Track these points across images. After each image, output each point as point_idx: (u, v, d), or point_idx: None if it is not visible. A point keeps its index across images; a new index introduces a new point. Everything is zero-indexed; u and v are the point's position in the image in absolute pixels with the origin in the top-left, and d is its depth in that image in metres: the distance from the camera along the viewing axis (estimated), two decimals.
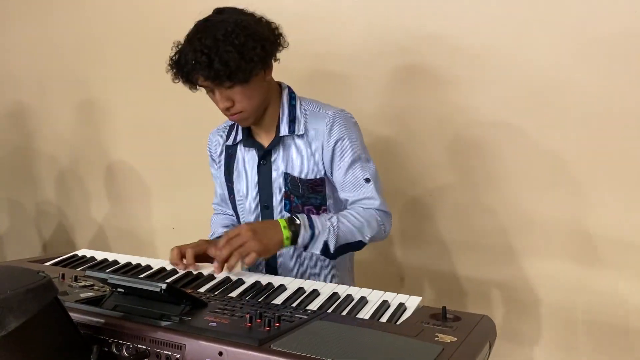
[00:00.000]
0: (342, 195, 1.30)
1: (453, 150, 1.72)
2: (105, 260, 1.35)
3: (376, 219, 1.25)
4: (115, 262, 1.33)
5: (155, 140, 2.27)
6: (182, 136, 2.18)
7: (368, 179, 1.27)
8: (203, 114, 2.06)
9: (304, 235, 1.19)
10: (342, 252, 1.25)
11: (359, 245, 1.26)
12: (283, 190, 1.30)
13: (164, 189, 2.32)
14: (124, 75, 2.26)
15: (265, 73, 1.23)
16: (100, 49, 2.31)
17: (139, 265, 1.31)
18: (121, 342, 0.88)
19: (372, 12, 1.74)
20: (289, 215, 1.25)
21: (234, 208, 1.39)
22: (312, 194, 1.30)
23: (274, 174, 1.31)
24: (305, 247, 1.21)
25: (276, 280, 1.18)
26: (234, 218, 1.46)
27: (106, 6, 2.27)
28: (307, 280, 1.17)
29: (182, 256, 1.24)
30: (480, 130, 1.66)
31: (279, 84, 1.33)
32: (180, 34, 1.22)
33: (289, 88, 1.34)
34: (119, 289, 0.97)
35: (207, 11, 1.24)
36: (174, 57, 1.22)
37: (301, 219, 1.19)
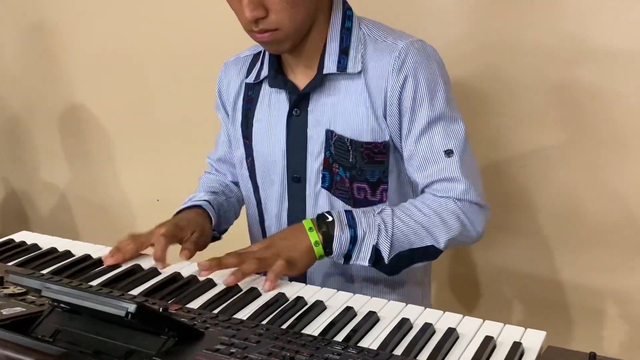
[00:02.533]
0: (411, 174, 1.12)
1: (559, 103, 1.48)
2: (53, 250, 1.16)
3: (457, 215, 1.06)
4: (68, 254, 1.14)
5: (130, 79, 2.15)
6: (170, 74, 2.05)
7: (450, 150, 1.07)
8: (196, 43, 1.93)
9: (340, 237, 1.02)
10: (404, 263, 1.06)
11: (429, 252, 1.07)
12: (322, 155, 1.12)
13: (145, 146, 2.20)
14: None
15: None
16: None
17: (100, 261, 1.11)
18: None
19: None
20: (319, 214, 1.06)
21: (252, 177, 1.23)
22: (367, 165, 1.11)
23: (310, 131, 1.13)
24: (347, 258, 1.04)
25: (307, 292, 0.96)
26: (230, 183, 1.34)
27: None
28: (357, 295, 0.95)
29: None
30: (602, 75, 1.42)
31: None
32: None
33: (345, 4, 1.13)
34: (61, 305, 0.78)
35: None
36: None
37: (335, 215, 1.03)
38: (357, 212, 1.04)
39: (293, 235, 1.04)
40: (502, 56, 1.52)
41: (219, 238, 1.28)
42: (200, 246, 1.16)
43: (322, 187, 1.13)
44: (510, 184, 1.59)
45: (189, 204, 1.23)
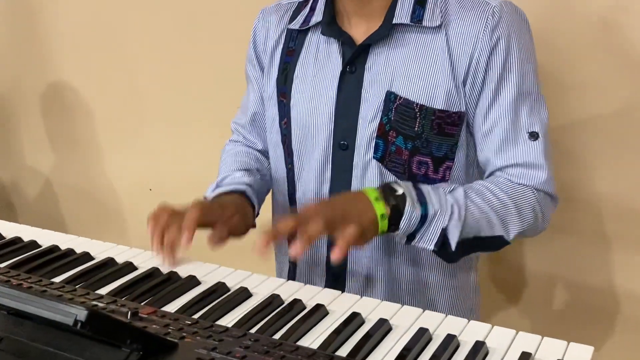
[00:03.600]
0: (484, 153, 0.99)
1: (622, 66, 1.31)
2: (17, 240, 1.02)
3: (533, 206, 0.95)
4: (34, 244, 1.00)
5: (118, 62, 2.03)
6: (160, 57, 1.93)
7: (536, 133, 0.96)
8: (185, 23, 1.83)
9: (410, 214, 0.87)
10: (468, 251, 0.94)
11: (495, 243, 0.95)
12: (377, 120, 0.98)
13: (134, 131, 2.07)
14: None
15: None
16: None
17: (70, 252, 0.97)
18: None
19: None
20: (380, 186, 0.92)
21: (286, 143, 1.08)
22: (435, 136, 0.97)
23: (366, 91, 0.98)
24: (411, 238, 0.91)
25: (306, 294, 0.82)
26: (261, 155, 1.17)
27: None
28: (365, 299, 0.81)
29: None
30: None
31: None
32: None
33: None
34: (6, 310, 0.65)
35: None
36: None
37: (404, 188, 0.89)
38: (426, 188, 0.91)
39: (357, 201, 0.88)
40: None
41: (253, 226, 1.09)
42: (238, 233, 1.01)
43: (374, 157, 0.99)
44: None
45: (230, 187, 1.06)
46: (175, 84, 1.89)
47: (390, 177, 0.99)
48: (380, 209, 0.86)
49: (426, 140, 0.97)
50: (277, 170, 1.11)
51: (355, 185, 1.00)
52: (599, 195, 1.37)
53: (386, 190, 0.88)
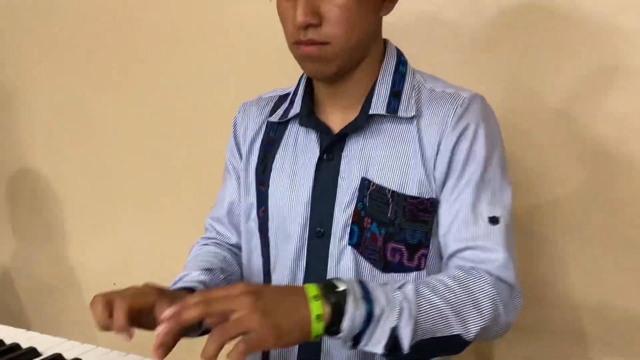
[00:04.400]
0: (443, 236, 0.99)
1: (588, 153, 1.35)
2: None
3: (491, 297, 0.90)
4: None
5: (88, 147, 2.07)
6: (133, 142, 1.96)
7: (496, 218, 0.96)
8: (155, 108, 1.86)
9: (353, 314, 0.80)
10: (424, 354, 0.87)
11: (454, 344, 0.89)
12: (353, 206, 1.00)
13: (101, 219, 2.07)
14: (46, 56, 2.10)
15: (383, 5, 1.01)
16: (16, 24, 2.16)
17: (15, 347, 0.93)
18: None
19: None
20: (327, 281, 0.85)
21: (263, 231, 1.09)
22: (408, 223, 0.99)
23: (341, 179, 1.02)
24: (356, 341, 0.82)
25: None
26: (229, 255, 1.16)
27: None
28: None
29: (111, 312, 0.86)
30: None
31: (385, 41, 1.08)
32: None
33: (398, 50, 1.07)
34: None
35: None
36: None
37: (349, 284, 0.82)
38: (372, 284, 0.85)
39: (290, 296, 0.80)
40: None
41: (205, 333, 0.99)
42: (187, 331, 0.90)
43: (349, 243, 0.99)
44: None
45: (182, 285, 1.03)
46: (148, 177, 1.90)
47: (365, 264, 0.99)
48: (317, 309, 0.78)
49: (399, 227, 0.98)
50: (252, 261, 1.10)
51: (330, 273, 0.99)
52: (574, 291, 1.36)
53: (327, 287, 0.82)
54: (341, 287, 0.81)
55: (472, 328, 0.87)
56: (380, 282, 0.87)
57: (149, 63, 1.86)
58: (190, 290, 0.99)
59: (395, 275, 0.99)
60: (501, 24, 1.38)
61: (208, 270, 1.07)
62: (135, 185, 1.95)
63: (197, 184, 1.73)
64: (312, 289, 0.80)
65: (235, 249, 1.16)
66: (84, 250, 2.09)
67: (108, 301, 0.85)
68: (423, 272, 0.99)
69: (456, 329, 0.87)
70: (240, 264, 1.14)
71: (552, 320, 1.38)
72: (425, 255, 1.00)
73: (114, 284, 1.96)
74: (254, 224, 1.10)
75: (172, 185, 1.85)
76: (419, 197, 0.98)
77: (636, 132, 1.27)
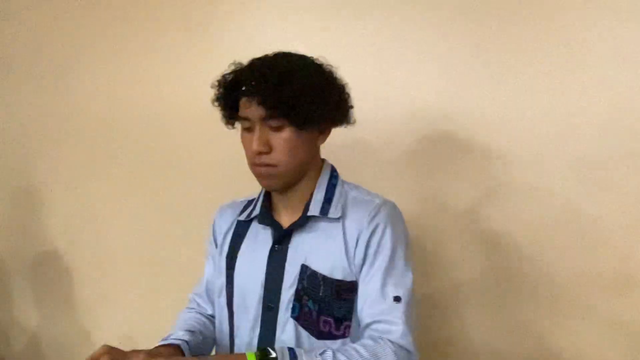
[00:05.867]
0: (359, 311, 1.16)
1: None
2: None
3: (392, 359, 1.07)
4: None
5: (102, 235, 2.25)
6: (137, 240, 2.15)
7: (398, 297, 1.13)
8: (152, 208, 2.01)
9: None
10: None
11: None
12: (295, 287, 1.19)
13: (112, 291, 2.25)
14: (72, 164, 2.28)
15: (321, 135, 1.22)
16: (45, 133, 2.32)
17: None
18: None
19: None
20: (264, 348, 1.08)
21: (230, 305, 1.28)
22: (335, 301, 1.17)
23: (288, 265, 1.20)
24: None
25: None
26: (207, 321, 1.36)
27: (50, 90, 2.27)
28: None
29: None
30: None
31: (322, 160, 1.30)
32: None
33: (332, 167, 1.30)
34: None
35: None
36: (227, 75, 1.21)
37: (278, 351, 1.04)
38: (299, 351, 1.05)
39: None
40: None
41: None
42: None
43: (292, 316, 1.17)
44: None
45: (168, 341, 1.21)
46: (149, 266, 2.09)
47: (304, 333, 1.17)
48: None
49: (328, 304, 1.15)
50: (222, 327, 1.30)
51: (278, 339, 1.18)
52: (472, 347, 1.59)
53: (263, 353, 1.03)
54: (273, 354, 1.03)
55: None
56: (307, 348, 1.07)
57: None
58: (176, 345, 1.19)
59: (327, 342, 1.15)
60: (413, 153, 1.66)
61: (190, 331, 1.27)
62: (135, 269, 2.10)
63: (181, 274, 1.90)
64: (251, 356, 1.03)
65: (212, 318, 1.36)
66: (97, 316, 2.23)
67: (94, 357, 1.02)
68: (348, 339, 1.15)
69: None
70: (214, 329, 1.33)
71: None
72: (349, 326, 1.17)
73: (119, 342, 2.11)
74: (223, 299, 1.28)
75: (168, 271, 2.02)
76: (343, 280, 1.16)
77: (514, 223, 1.57)
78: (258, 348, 1.11)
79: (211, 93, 1.23)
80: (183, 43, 1.96)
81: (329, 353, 1.05)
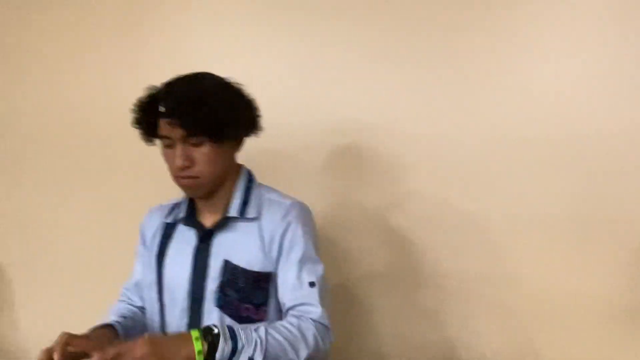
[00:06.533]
0: (281, 297, 1.30)
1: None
2: None
3: (313, 333, 1.22)
4: None
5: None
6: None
7: (313, 282, 1.28)
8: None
9: (223, 348, 1.12)
10: None
11: None
12: (219, 280, 1.30)
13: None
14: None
15: (237, 145, 1.33)
16: None
17: None
18: None
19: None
20: (206, 327, 1.17)
21: (161, 300, 1.37)
22: (253, 290, 1.29)
23: (211, 260, 1.31)
24: None
25: None
26: (137, 311, 1.44)
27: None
28: None
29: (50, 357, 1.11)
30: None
31: (239, 166, 1.40)
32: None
33: (249, 172, 1.41)
34: None
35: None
36: (145, 98, 1.29)
37: (220, 328, 1.15)
38: (237, 328, 1.16)
39: (179, 340, 1.11)
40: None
41: None
42: None
43: (216, 305, 1.28)
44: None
45: (98, 324, 1.29)
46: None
47: (227, 320, 1.27)
48: (198, 345, 1.09)
49: (247, 292, 1.28)
50: (153, 318, 1.39)
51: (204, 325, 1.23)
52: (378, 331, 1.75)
53: (206, 330, 1.13)
54: (215, 330, 1.13)
55: (301, 354, 1.20)
56: (243, 326, 1.18)
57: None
58: (108, 325, 1.28)
59: (247, 325, 1.22)
60: (327, 158, 1.81)
61: (123, 317, 1.37)
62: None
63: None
64: (195, 332, 1.12)
65: (141, 309, 1.44)
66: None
67: (48, 350, 1.08)
68: (265, 323, 1.24)
69: (291, 355, 1.19)
70: (144, 318, 1.42)
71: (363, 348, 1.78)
72: (265, 311, 1.30)
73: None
74: (154, 294, 1.38)
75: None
76: (260, 272, 1.29)
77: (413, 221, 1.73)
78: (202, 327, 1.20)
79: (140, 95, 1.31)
80: (110, 46, 2.00)
81: (262, 329, 1.18)
